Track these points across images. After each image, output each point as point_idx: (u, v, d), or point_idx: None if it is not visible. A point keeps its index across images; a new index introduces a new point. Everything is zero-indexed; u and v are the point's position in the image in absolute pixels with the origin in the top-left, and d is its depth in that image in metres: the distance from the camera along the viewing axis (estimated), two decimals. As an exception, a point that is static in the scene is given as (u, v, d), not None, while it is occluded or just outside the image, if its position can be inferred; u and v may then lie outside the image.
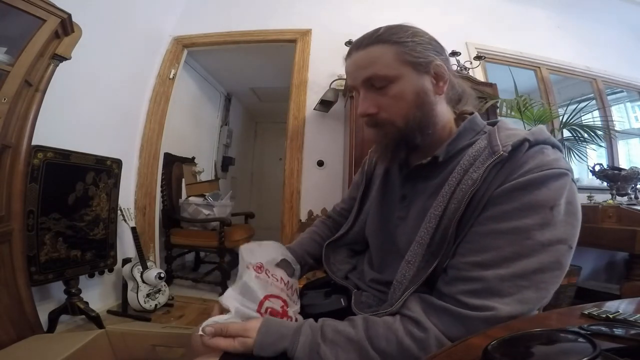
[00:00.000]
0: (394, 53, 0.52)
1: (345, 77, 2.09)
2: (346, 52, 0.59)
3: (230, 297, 0.55)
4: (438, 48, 0.56)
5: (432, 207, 0.51)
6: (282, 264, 0.68)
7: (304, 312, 0.63)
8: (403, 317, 0.47)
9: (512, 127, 0.53)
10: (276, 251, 0.71)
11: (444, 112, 0.57)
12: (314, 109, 2.18)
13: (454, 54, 2.10)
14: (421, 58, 0.52)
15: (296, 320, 0.57)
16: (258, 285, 0.57)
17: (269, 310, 0.55)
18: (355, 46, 0.56)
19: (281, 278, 0.63)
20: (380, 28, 0.54)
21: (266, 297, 0.56)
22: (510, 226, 0.44)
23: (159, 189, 2.31)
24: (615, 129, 2.50)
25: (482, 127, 0.57)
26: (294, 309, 0.60)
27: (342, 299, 0.63)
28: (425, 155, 0.56)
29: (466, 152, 0.52)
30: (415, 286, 0.49)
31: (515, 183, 0.45)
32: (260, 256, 0.65)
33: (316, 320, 0.50)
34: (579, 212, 0.46)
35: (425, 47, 0.53)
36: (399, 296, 0.50)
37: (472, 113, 0.59)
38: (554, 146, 0.49)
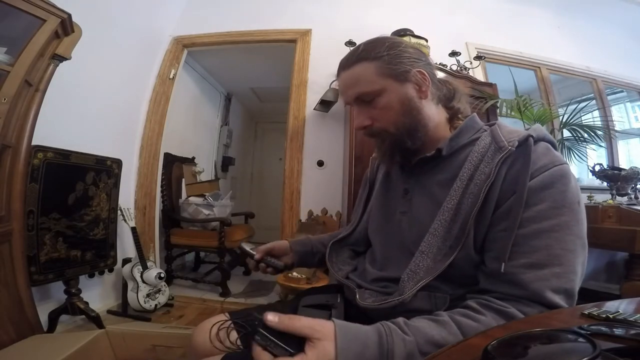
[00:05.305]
0: (375, 68, 0.56)
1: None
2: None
3: None
4: (417, 54, 0.59)
5: (445, 200, 0.52)
6: None
7: None
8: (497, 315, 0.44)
9: (511, 127, 0.56)
10: None
11: (433, 113, 0.60)
12: (314, 109, 2.18)
13: (454, 54, 2.10)
14: (400, 69, 0.56)
15: None
16: None
17: None
18: (341, 67, 0.60)
19: None
20: (360, 45, 0.59)
21: None
22: (552, 224, 0.46)
23: (159, 189, 2.31)
24: (615, 129, 2.49)
25: (482, 125, 0.60)
26: None
27: None
28: (426, 153, 0.59)
29: (470, 148, 0.55)
30: (431, 277, 0.50)
31: (540, 182, 0.47)
32: None
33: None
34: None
35: (402, 57, 0.57)
36: (412, 286, 0.50)
37: (468, 115, 0.62)
38: (552, 144, 0.53)
